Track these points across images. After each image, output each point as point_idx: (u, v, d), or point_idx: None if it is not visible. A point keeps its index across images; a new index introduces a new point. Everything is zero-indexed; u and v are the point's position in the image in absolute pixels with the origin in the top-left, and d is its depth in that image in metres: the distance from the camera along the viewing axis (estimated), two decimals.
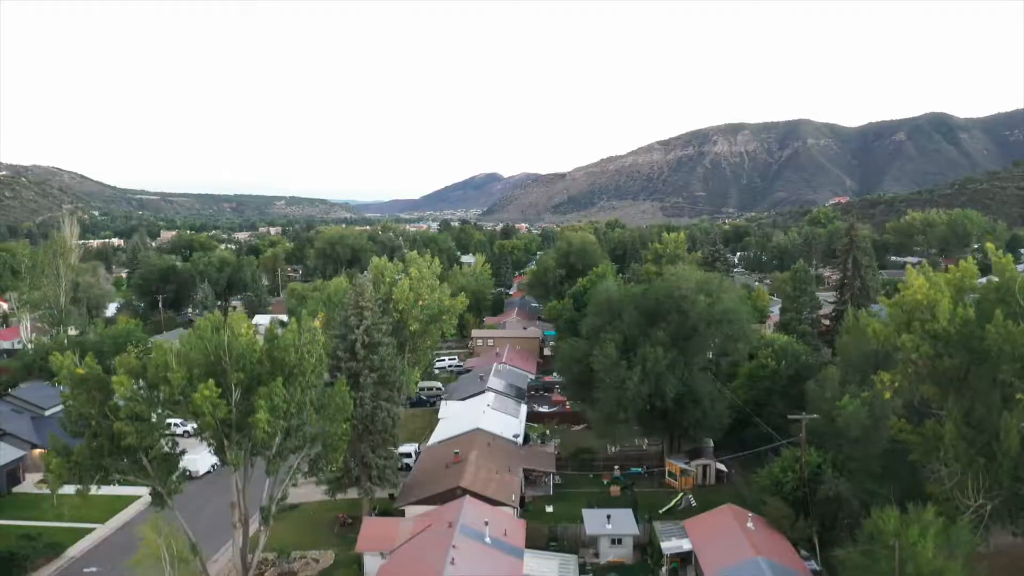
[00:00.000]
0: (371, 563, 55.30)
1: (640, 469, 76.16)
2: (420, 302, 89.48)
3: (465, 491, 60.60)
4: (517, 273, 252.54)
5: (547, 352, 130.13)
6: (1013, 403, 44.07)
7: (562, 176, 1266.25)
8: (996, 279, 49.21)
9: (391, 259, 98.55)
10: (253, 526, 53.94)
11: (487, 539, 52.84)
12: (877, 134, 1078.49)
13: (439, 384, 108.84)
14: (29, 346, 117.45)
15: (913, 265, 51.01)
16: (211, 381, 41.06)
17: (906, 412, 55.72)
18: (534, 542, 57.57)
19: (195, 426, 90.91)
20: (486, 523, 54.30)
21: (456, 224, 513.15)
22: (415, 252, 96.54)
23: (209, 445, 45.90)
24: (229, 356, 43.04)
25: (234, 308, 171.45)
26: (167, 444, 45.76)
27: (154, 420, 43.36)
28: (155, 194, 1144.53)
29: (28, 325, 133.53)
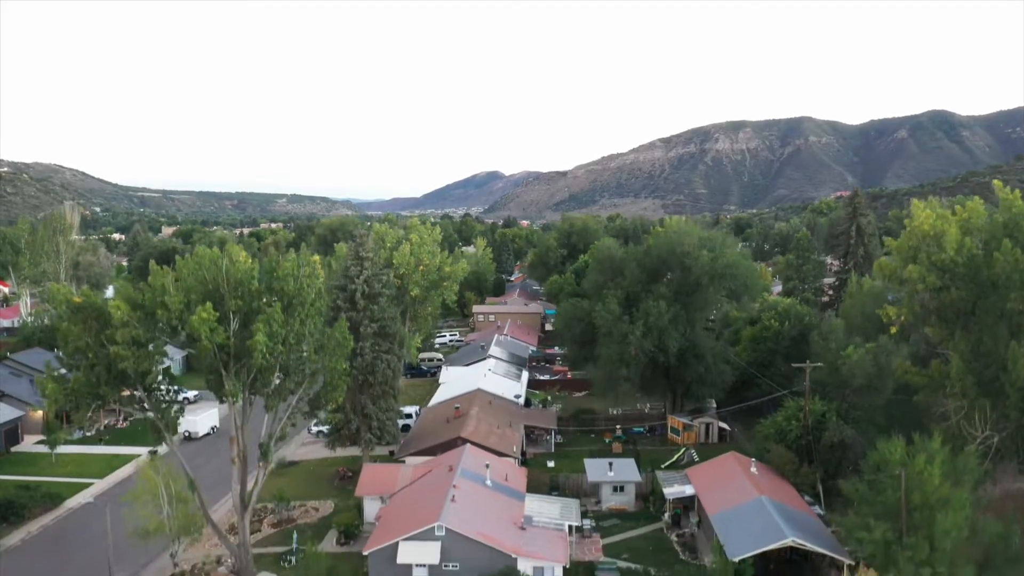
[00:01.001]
0: (371, 507, 54.84)
1: (642, 428, 75.63)
2: (421, 267, 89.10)
3: (466, 441, 60.10)
4: (518, 263, 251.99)
5: (548, 327, 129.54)
6: (1021, 334, 43.51)
7: (563, 174, 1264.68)
8: (1002, 216, 48.66)
9: None
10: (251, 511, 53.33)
11: (488, 482, 52.36)
12: (879, 131, 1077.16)
13: (440, 355, 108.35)
14: (29, 319, 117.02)
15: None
16: (209, 304, 40.55)
17: (911, 357, 55.24)
18: (535, 489, 57.08)
19: (195, 393, 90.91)
20: (487, 465, 53.82)
21: (457, 219, 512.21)
22: (416, 219, 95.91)
23: (208, 378, 45.31)
24: (227, 283, 42.52)
25: None
26: (164, 376, 45.23)
27: (151, 348, 42.83)
28: (157, 191, 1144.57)
29: (28, 301, 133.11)
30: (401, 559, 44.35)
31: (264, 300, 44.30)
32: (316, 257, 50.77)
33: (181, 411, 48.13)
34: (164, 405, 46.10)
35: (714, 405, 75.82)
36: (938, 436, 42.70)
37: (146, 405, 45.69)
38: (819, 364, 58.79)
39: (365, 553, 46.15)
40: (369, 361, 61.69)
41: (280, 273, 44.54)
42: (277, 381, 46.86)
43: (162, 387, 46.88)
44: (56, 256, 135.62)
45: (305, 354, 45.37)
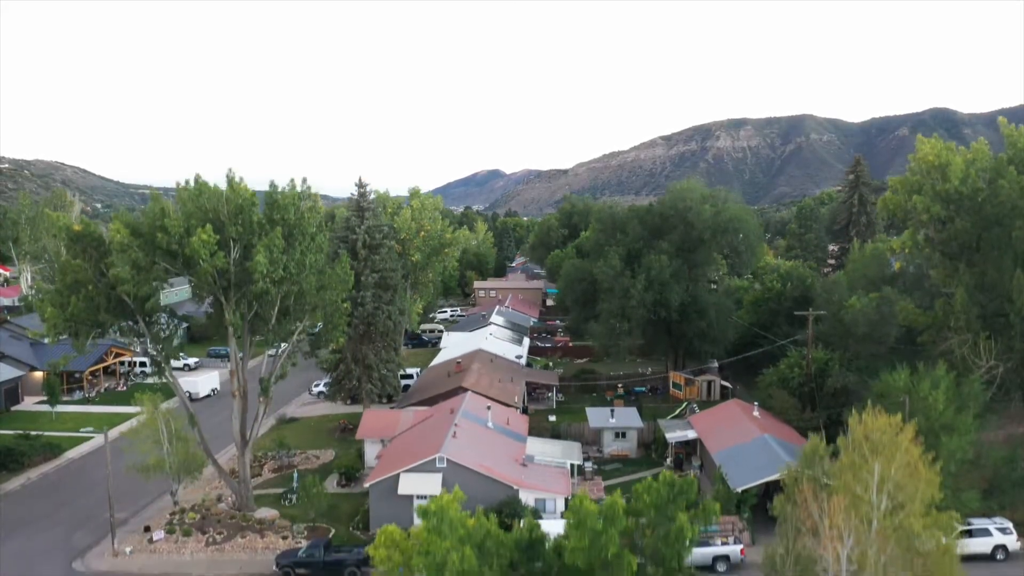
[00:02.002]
0: (371, 450, 54.57)
1: (644, 388, 75.29)
2: (422, 233, 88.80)
3: (467, 390, 59.82)
4: (518, 251, 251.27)
5: (550, 303, 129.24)
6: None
7: (564, 172, 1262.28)
8: (1008, 153, 48.26)
9: None
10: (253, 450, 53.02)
11: (489, 423, 52.12)
12: (880, 129, 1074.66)
13: (441, 327, 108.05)
14: (31, 293, 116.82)
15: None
16: (208, 226, 40.30)
17: (914, 301, 54.89)
18: (537, 435, 56.77)
19: (195, 360, 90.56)
20: (488, 407, 53.57)
21: (457, 214, 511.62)
22: (417, 187, 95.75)
23: (208, 305, 45.02)
24: (228, 208, 42.25)
25: None
26: (165, 302, 44.94)
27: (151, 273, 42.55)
28: (159, 189, 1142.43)
29: (29, 277, 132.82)
30: (402, 490, 44.10)
31: (265, 231, 44.07)
32: (317, 193, 50.34)
33: (181, 347, 47.92)
34: (164, 336, 45.91)
35: (716, 364, 75.48)
36: (943, 365, 42.46)
37: (146, 337, 45.53)
38: (822, 312, 58.50)
39: (367, 485, 45.95)
40: (370, 311, 61.40)
41: (281, 202, 44.25)
42: (276, 310, 46.64)
43: (162, 318, 46.70)
44: (57, 233, 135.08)
45: (304, 280, 44.99)
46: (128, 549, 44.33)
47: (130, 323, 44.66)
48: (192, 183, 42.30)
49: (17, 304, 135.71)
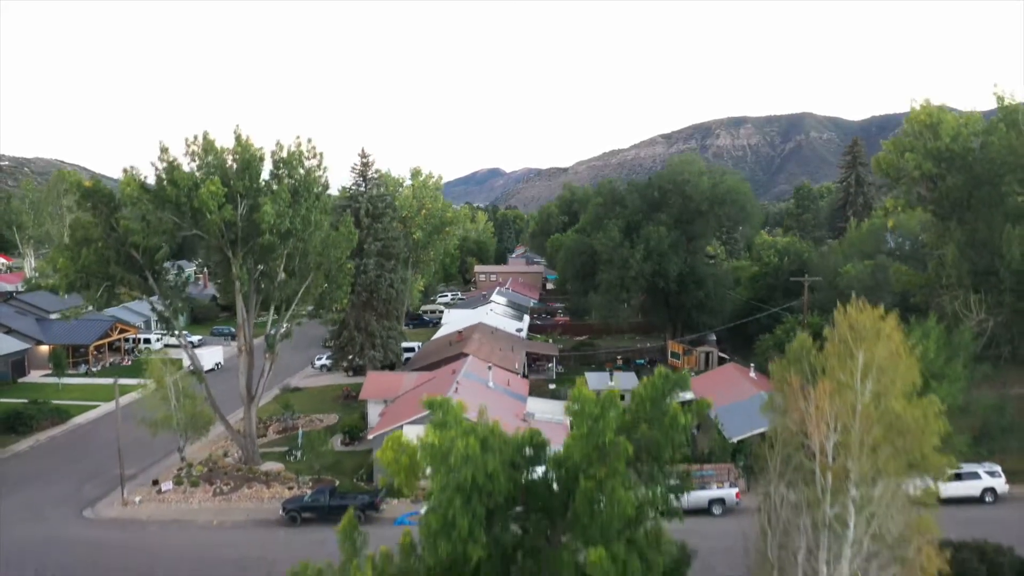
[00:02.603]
0: (374, 411, 55.46)
1: (643, 360, 76.28)
2: (423, 211, 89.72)
3: (468, 355, 60.77)
4: (519, 243, 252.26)
5: (550, 286, 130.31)
6: (1016, 220, 44.21)
7: (564, 170, 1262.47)
8: (999, 116, 49.22)
9: None
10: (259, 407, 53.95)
11: (490, 383, 53.08)
12: (880, 127, 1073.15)
13: (442, 307, 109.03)
14: (34, 276, 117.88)
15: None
16: (217, 178, 41.25)
17: (908, 267, 55.86)
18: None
19: (199, 338, 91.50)
20: (489, 368, 54.54)
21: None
22: (419, 166, 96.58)
23: (215, 268, 45.92)
24: (235, 162, 43.22)
25: None
26: (172, 261, 45.92)
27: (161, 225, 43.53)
28: None
29: (32, 262, 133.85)
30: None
31: (271, 188, 45.05)
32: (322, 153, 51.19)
33: (188, 306, 48.83)
34: (171, 290, 46.87)
35: (714, 337, 76.42)
36: (934, 316, 43.44)
37: (154, 291, 46.50)
38: (817, 278, 59.50)
39: (370, 437, 46.91)
40: (373, 279, 62.40)
41: (288, 158, 45.19)
42: (282, 276, 47.65)
43: (170, 274, 47.67)
44: (60, 218, 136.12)
45: (310, 244, 45.97)
46: (137, 499, 45.36)
47: (139, 277, 45.59)
48: (201, 139, 43.20)
49: (21, 290, 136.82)
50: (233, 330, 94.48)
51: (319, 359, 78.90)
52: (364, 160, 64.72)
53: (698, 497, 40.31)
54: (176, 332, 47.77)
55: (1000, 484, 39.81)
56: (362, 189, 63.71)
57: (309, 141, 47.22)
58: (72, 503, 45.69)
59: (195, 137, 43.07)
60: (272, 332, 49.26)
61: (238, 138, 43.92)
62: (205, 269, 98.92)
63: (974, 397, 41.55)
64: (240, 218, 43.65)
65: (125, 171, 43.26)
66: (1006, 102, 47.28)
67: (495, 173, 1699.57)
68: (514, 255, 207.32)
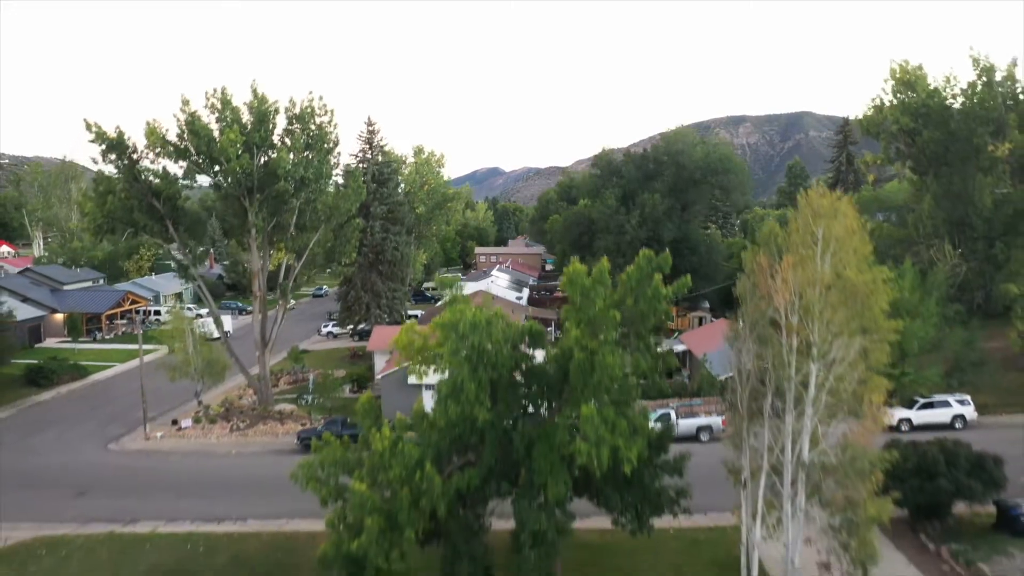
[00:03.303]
0: (380, 360, 58.08)
1: None
2: (425, 186, 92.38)
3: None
4: (518, 234, 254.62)
5: (549, 267, 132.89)
6: (987, 170, 46.93)
7: (563, 169, 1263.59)
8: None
9: None
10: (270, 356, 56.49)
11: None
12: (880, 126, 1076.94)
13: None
14: (44, 256, 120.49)
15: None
16: (236, 127, 43.90)
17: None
18: None
19: (206, 311, 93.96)
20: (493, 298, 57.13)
21: None
22: (421, 144, 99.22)
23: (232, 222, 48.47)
24: (252, 116, 45.85)
25: None
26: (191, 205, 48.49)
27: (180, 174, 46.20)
28: None
29: (40, 243, 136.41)
30: (412, 380, 47.67)
31: (284, 141, 47.70)
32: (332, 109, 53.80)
33: (207, 253, 51.49)
34: (190, 242, 49.52)
35: (707, 304, 79.12)
36: (909, 260, 46.18)
37: (174, 236, 49.09)
38: None
39: (378, 377, 49.55)
40: (379, 241, 65.04)
41: (300, 113, 47.81)
42: (293, 232, 50.37)
43: (186, 226, 50.23)
44: (68, 202, 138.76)
45: (320, 197, 48.58)
46: (159, 434, 48.05)
47: (160, 226, 48.17)
48: (219, 92, 45.81)
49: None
50: (240, 304, 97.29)
51: (325, 326, 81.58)
52: (370, 128, 67.38)
53: (687, 425, 43.06)
54: (195, 278, 50.36)
55: (969, 412, 42.50)
56: (369, 156, 66.31)
57: (320, 98, 49.82)
58: (98, 438, 48.37)
59: (214, 90, 45.70)
60: (284, 280, 51.89)
61: (254, 92, 46.54)
62: (211, 250, 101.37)
63: (946, 334, 44.23)
64: (256, 168, 46.30)
65: (148, 123, 45.86)
66: (981, 64, 50.04)
67: (495, 172, 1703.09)
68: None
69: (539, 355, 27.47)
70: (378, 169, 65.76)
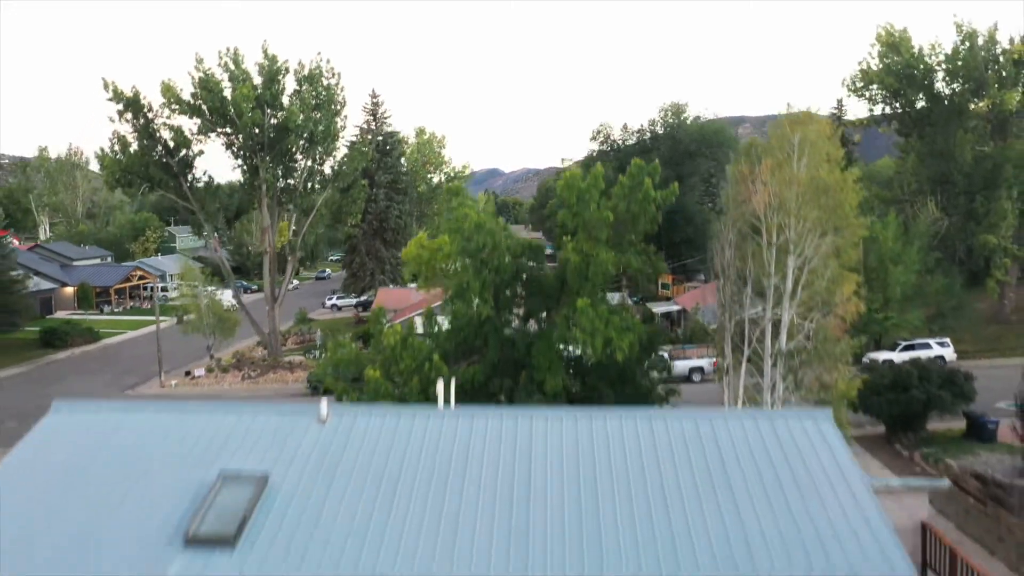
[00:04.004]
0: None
1: (637, 298, 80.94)
2: (427, 164, 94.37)
3: None
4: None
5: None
6: (972, 129, 49.00)
7: (561, 171, 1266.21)
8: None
9: None
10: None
11: None
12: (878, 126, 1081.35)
13: None
14: (51, 238, 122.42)
15: None
16: (249, 83, 45.91)
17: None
18: None
19: (211, 288, 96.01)
20: None
21: None
22: (423, 125, 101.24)
23: (243, 162, 50.41)
24: (262, 75, 47.89)
25: None
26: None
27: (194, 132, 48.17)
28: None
29: (47, 228, 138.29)
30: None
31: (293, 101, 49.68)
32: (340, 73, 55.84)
33: (219, 210, 53.56)
34: (204, 196, 51.51)
35: (703, 276, 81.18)
36: (893, 213, 48.20)
37: (188, 195, 51.07)
38: None
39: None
40: (383, 208, 67.07)
41: (309, 75, 49.81)
42: (303, 190, 52.33)
43: (200, 181, 52.21)
44: (74, 188, 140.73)
45: (329, 147, 50.57)
46: (173, 382, 50.01)
47: (174, 183, 50.10)
48: (232, 52, 47.81)
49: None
50: (244, 283, 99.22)
51: (330, 299, 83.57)
52: (375, 100, 69.42)
53: (681, 366, 45.01)
54: (206, 234, 52.30)
55: (949, 353, 44.46)
56: (373, 127, 68.31)
57: (328, 61, 51.85)
58: (115, 387, 50.33)
59: (227, 49, 47.72)
60: (293, 237, 53.89)
61: (264, 52, 48.55)
62: (216, 234, 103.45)
63: (927, 281, 46.27)
64: (267, 124, 48.31)
65: (163, 82, 47.88)
66: (964, 30, 52.05)
67: (494, 173, 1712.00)
68: None
69: None
70: (382, 139, 67.78)
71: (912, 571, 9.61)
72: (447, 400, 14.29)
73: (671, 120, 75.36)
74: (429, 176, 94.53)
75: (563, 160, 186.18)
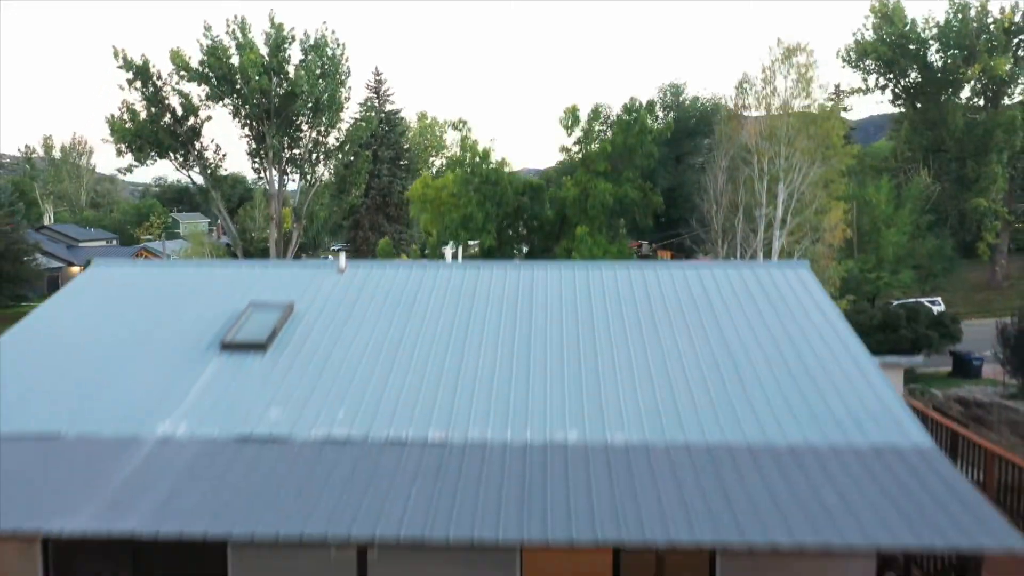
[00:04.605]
0: None
1: None
2: (429, 147, 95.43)
3: None
4: None
5: None
6: (968, 99, 50.17)
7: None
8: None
9: None
10: None
11: None
12: (878, 127, 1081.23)
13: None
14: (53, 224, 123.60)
15: None
16: (256, 48, 46.95)
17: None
18: None
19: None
20: None
21: None
22: (424, 110, 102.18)
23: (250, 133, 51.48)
24: (268, 44, 48.94)
25: None
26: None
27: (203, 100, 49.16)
28: (160, 182, 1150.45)
29: (51, 215, 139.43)
30: None
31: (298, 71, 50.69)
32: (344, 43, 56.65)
33: (227, 179, 54.58)
34: (210, 165, 52.52)
35: (700, 255, 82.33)
36: (887, 177, 49.29)
37: (195, 166, 52.07)
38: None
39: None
40: (386, 183, 68.06)
41: (315, 44, 50.80)
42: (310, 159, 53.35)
43: (207, 152, 53.12)
44: (78, 177, 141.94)
45: (334, 118, 51.57)
46: None
47: (182, 151, 51.03)
48: (239, 19, 48.82)
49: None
50: None
51: None
52: (378, 77, 70.46)
53: None
54: (214, 199, 53.30)
55: (939, 309, 45.55)
56: (376, 103, 69.33)
57: (333, 32, 52.78)
58: None
59: (235, 16, 48.68)
60: (298, 204, 54.89)
61: (271, 20, 49.53)
62: (219, 221, 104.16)
63: (918, 242, 47.37)
64: (273, 91, 49.25)
65: (172, 50, 48.91)
66: (955, 2, 53.06)
67: None
68: None
69: None
70: (385, 115, 68.80)
71: (921, 430, 9.26)
72: (455, 258, 15.34)
73: (669, 101, 76.35)
74: (431, 160, 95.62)
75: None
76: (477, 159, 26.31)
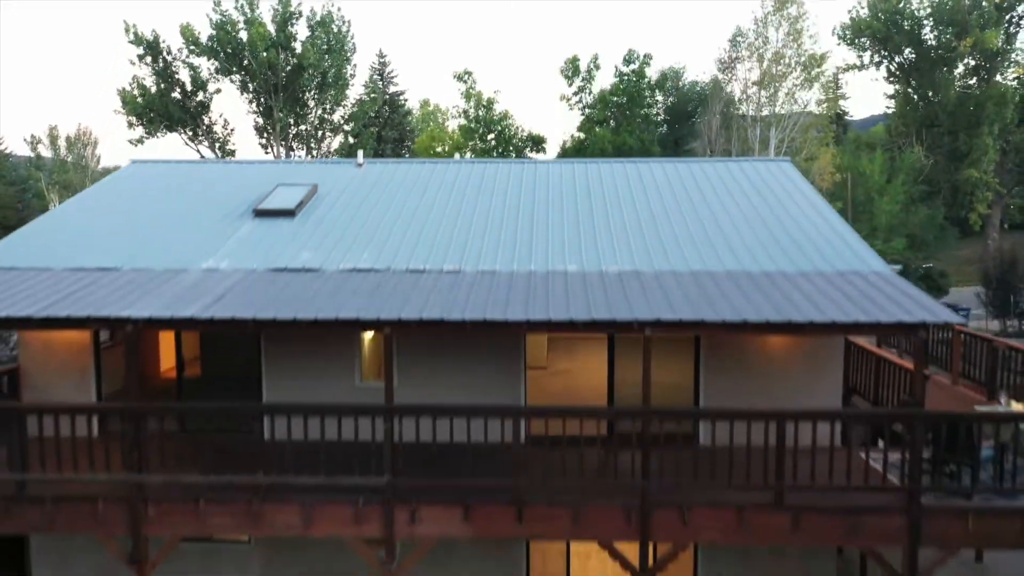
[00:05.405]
0: None
1: None
2: (431, 137, 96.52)
3: None
4: None
5: None
6: (963, 76, 51.30)
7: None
8: None
9: None
10: None
11: None
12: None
13: None
14: None
15: None
16: (264, 22, 48.19)
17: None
18: None
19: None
20: None
21: None
22: (427, 97, 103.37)
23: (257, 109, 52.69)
24: (275, 22, 50.17)
25: None
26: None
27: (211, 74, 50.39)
28: None
29: (56, 204, 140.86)
30: None
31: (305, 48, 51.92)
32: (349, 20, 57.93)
33: (235, 156, 55.71)
34: (219, 139, 53.67)
35: None
36: (880, 148, 50.44)
37: (203, 141, 53.25)
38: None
39: None
40: None
41: (321, 20, 51.98)
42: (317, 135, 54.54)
43: (216, 127, 54.25)
44: (83, 168, 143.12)
45: (340, 98, 52.77)
46: None
47: (191, 124, 52.17)
48: None
49: None
50: None
51: None
52: (382, 59, 71.56)
53: None
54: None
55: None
56: (380, 85, 70.41)
57: (339, 9, 54.04)
58: None
59: None
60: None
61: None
62: None
63: (910, 211, 48.48)
64: (280, 65, 50.45)
65: (182, 25, 50.15)
66: None
67: None
68: None
69: None
70: (389, 96, 69.91)
71: (882, 262, 10.65)
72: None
73: (669, 85, 77.47)
74: (435, 146, 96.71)
75: (562, 97, 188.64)
76: (482, 109, 27.42)
